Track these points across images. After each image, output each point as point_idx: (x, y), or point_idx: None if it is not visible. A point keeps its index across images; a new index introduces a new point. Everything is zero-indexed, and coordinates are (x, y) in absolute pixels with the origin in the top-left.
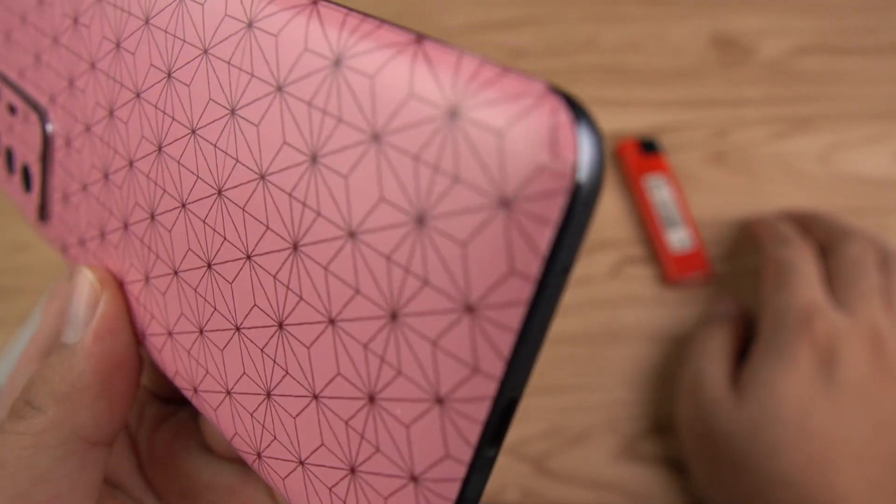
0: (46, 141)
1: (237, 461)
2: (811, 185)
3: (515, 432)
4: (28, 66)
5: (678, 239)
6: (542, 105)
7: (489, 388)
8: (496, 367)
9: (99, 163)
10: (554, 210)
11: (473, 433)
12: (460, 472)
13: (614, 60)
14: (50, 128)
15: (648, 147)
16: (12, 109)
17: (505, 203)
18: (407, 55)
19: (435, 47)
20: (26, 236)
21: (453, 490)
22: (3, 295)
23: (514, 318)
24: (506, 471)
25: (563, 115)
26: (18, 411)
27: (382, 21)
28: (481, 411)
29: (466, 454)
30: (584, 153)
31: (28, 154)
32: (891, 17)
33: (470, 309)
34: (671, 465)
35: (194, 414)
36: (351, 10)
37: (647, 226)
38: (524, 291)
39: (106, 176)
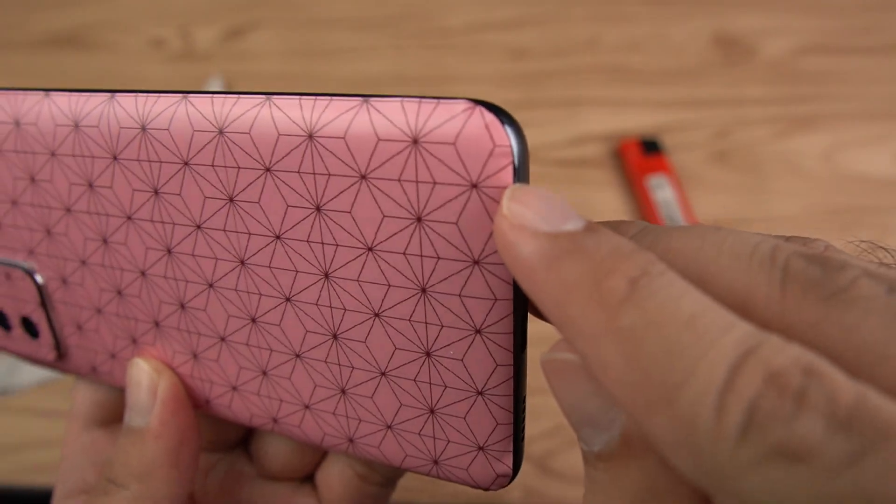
0: (40, 289)
1: (286, 479)
2: (813, 184)
3: None
4: None
5: None
6: (472, 114)
7: (508, 307)
8: (507, 290)
9: (107, 285)
10: (508, 177)
11: (508, 342)
12: (508, 372)
13: (616, 60)
14: (39, 277)
15: (650, 147)
16: None
17: (475, 185)
18: (364, 113)
19: (380, 102)
20: None
21: (509, 388)
22: None
23: None
24: None
25: (488, 115)
26: (105, 489)
27: (332, 95)
28: (508, 324)
29: (508, 357)
30: (512, 134)
31: (24, 307)
32: (892, 17)
33: (476, 262)
34: None
35: (240, 453)
36: (302, 94)
37: None
38: None
39: (119, 293)
